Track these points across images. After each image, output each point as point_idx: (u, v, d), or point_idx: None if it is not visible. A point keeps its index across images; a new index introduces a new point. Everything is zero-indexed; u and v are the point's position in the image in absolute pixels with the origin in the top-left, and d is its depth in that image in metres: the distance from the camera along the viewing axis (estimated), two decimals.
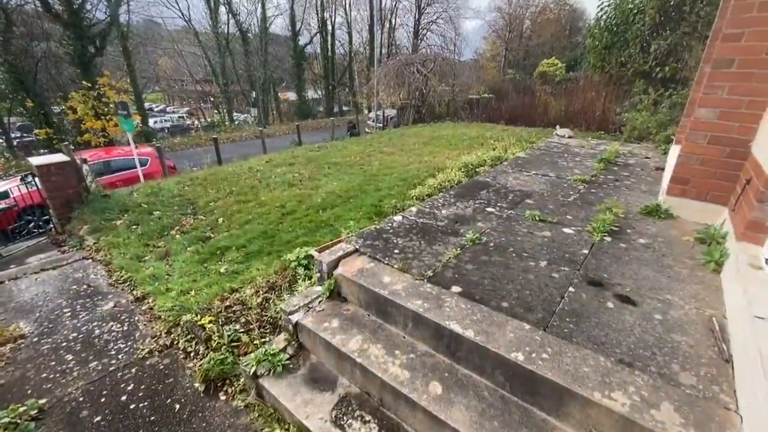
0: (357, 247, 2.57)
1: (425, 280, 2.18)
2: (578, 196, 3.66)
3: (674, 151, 3.75)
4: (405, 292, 2.07)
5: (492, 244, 2.61)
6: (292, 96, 37.73)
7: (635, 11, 10.64)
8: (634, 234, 2.79)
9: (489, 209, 3.29)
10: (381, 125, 18.34)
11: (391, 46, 37.83)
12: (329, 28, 34.08)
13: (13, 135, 19.31)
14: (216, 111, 29.17)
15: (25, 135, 20.19)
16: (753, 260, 1.96)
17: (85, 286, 3.90)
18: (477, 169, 5.06)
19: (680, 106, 9.25)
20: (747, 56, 2.56)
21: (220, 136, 19.09)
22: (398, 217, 3.09)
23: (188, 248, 4.31)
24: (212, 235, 4.65)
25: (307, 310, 2.32)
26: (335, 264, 2.47)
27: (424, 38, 39.85)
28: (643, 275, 2.24)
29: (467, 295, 2.04)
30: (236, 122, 27.06)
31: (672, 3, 9.85)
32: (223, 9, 25.47)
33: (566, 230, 2.87)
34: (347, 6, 35.21)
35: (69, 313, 3.39)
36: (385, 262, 2.37)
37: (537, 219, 3.05)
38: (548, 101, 13.93)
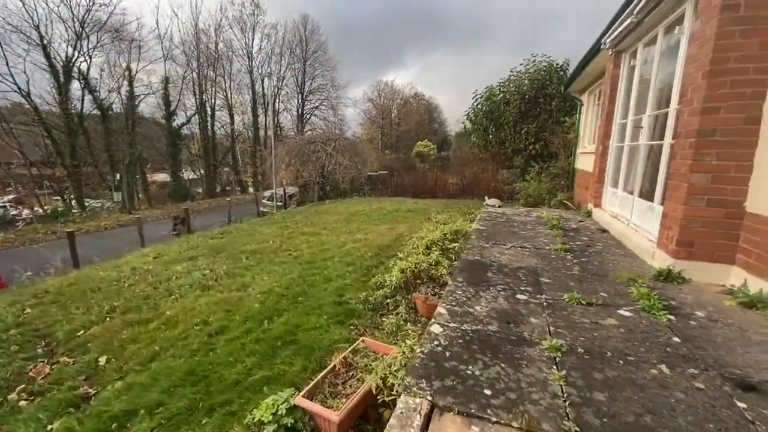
0: (431, 398, 1.59)
1: None
2: (579, 267, 3.42)
3: (655, 211, 3.91)
4: None
5: (580, 350, 1.97)
6: (162, 177, 33.68)
7: (503, 102, 12.83)
8: (685, 306, 2.53)
9: (519, 296, 2.71)
10: (280, 204, 17.25)
11: (276, 128, 38.18)
12: (208, 109, 32.76)
13: None
14: (59, 197, 23.54)
15: None
16: None
17: None
18: (449, 247, 4.58)
19: (557, 177, 10.98)
20: (722, 126, 2.77)
21: (70, 226, 14.99)
22: (436, 328, 2.22)
23: (50, 427, 2.47)
24: (93, 391, 2.86)
25: None
26: None
27: (308, 122, 41.75)
28: (759, 358, 1.87)
29: None
30: (89, 209, 22.10)
31: (527, 97, 12.14)
32: (77, 84, 22.05)
33: (623, 313, 2.45)
34: (227, 89, 34.86)
35: None
36: (494, 420, 1.47)
37: (584, 303, 2.58)
38: (443, 176, 15.22)
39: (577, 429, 1.42)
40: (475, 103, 14.04)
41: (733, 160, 2.79)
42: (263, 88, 37.09)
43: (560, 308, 2.52)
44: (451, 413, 1.51)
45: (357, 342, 2.85)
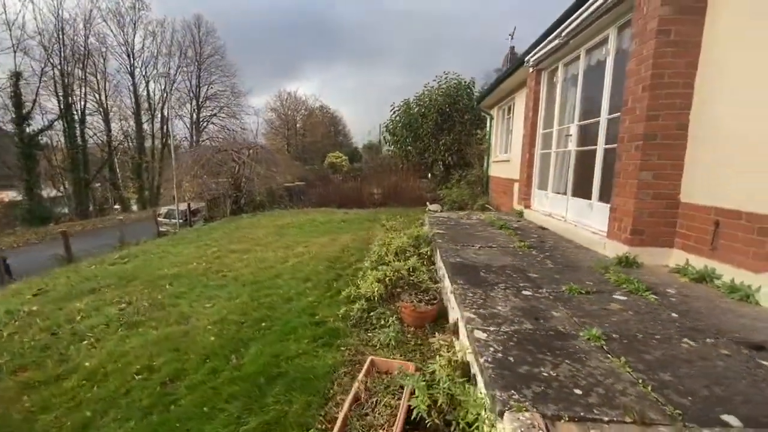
0: (535, 409, 1.42)
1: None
2: (551, 261, 3.66)
3: (598, 210, 4.40)
4: None
5: (615, 336, 2.06)
6: (10, 195, 26.77)
7: (419, 115, 13.52)
8: (657, 286, 2.87)
9: (525, 293, 2.75)
10: (183, 221, 15.21)
11: (166, 136, 33.95)
12: (76, 114, 27.40)
13: None
14: None
15: None
16: None
17: None
18: (422, 252, 4.49)
19: (474, 184, 11.91)
20: (660, 131, 3.29)
21: None
22: (480, 334, 2.07)
23: None
24: None
25: None
26: None
27: (204, 130, 38.15)
28: (741, 322, 2.21)
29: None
30: None
31: (442, 111, 13.02)
32: None
33: (619, 297, 2.67)
34: (101, 91, 29.75)
35: None
36: (606, 419, 1.39)
37: (582, 292, 2.74)
38: (367, 187, 15.25)
39: (678, 411, 1.44)
40: (393, 116, 14.54)
41: (669, 159, 3.32)
42: (149, 91, 32.70)
43: (566, 300, 2.62)
44: (562, 421, 1.39)
45: (366, 363, 2.56)
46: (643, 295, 2.68)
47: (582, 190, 4.88)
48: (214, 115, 37.61)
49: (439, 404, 1.94)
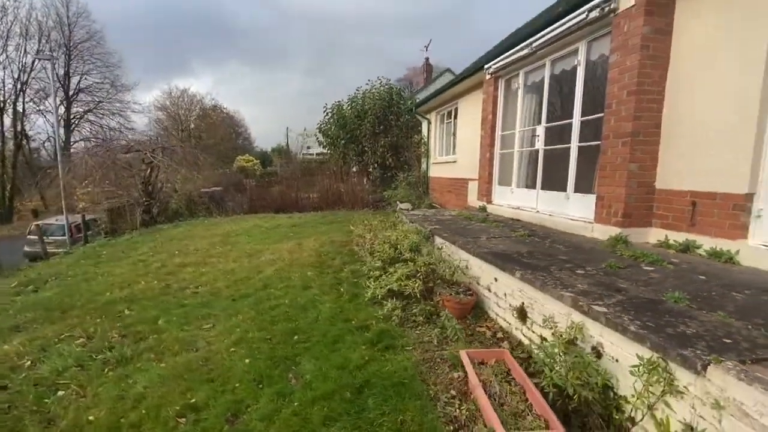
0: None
1: None
2: (559, 246, 4.05)
3: (577, 201, 4.96)
4: None
5: (692, 298, 2.40)
6: None
7: (355, 117, 13.51)
8: (668, 261, 3.41)
9: (578, 272, 3.01)
10: (70, 236, 12.51)
11: (20, 137, 27.53)
12: None
13: None
14: None
15: None
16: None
17: None
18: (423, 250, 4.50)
19: (415, 185, 12.38)
20: (643, 129, 3.95)
21: None
22: (600, 308, 2.19)
23: None
24: None
25: None
26: None
27: (77, 130, 31.96)
28: (746, 278, 2.80)
29: None
30: None
31: (379, 114, 13.25)
32: None
33: (646, 268, 3.11)
34: None
35: None
36: None
37: (620, 267, 3.12)
38: (291, 190, 14.49)
39: None
40: (326, 117, 14.23)
41: (648, 153, 4.00)
42: None
43: (615, 274, 2.95)
44: (748, 362, 1.58)
45: (463, 356, 2.51)
46: (662, 265, 3.18)
47: (553, 183, 5.51)
48: (90, 110, 31.62)
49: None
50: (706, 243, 3.52)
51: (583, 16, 4.43)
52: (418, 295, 3.60)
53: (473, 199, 8.10)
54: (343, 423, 2.16)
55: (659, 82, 3.90)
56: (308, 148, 37.24)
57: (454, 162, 9.97)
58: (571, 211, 5.06)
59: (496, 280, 3.43)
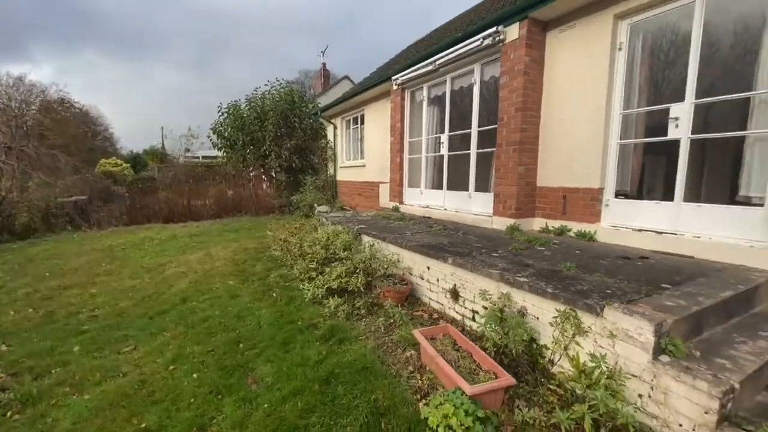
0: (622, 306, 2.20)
1: None
2: (473, 236, 4.73)
3: (479, 199, 5.76)
4: None
5: (576, 266, 3.17)
6: None
7: (255, 117, 12.86)
8: (552, 242, 4.33)
9: (494, 254, 3.61)
10: None
11: None
12: None
13: None
14: None
15: None
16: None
17: None
18: (353, 247, 4.72)
19: (323, 188, 12.45)
20: (528, 139, 4.91)
21: None
22: (522, 279, 2.73)
23: None
24: None
25: None
26: None
27: None
28: (605, 250, 3.80)
29: None
30: None
31: (284, 115, 12.89)
32: None
33: (540, 248, 3.92)
34: None
35: None
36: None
37: (522, 249, 3.85)
38: (178, 197, 13.05)
39: (628, 285, 2.57)
40: (221, 118, 13.19)
41: (532, 158, 4.98)
42: None
43: (521, 254, 3.66)
44: (607, 304, 2.25)
45: (417, 335, 2.83)
46: (550, 245, 4.05)
47: (457, 184, 6.32)
48: None
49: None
50: (575, 227, 4.59)
51: (478, 42, 5.25)
52: (362, 289, 3.81)
53: (385, 201, 8.62)
54: (320, 412, 2.25)
55: (537, 102, 4.91)
56: (187, 150, 33.51)
57: (363, 166, 10.40)
58: (474, 207, 5.90)
59: (428, 268, 3.87)
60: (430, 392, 2.41)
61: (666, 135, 3.75)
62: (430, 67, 6.32)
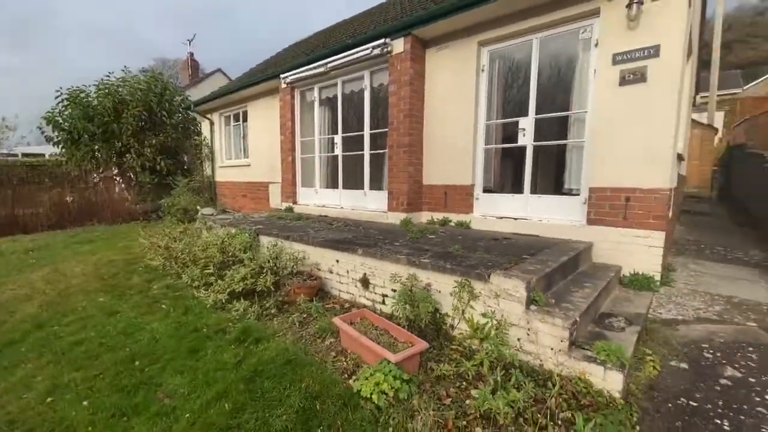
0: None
1: None
2: (375, 231, 5.10)
3: (375, 197, 6.16)
4: None
5: (462, 249, 3.80)
6: None
7: (110, 107, 10.83)
8: (439, 231, 5.00)
9: (396, 244, 4.02)
10: None
11: None
12: None
13: None
14: None
15: None
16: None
17: None
18: (262, 246, 4.56)
19: (199, 191, 11.34)
20: (415, 142, 5.54)
21: None
22: (425, 259, 3.14)
23: None
24: None
25: None
26: None
27: None
28: (480, 234, 4.63)
29: None
30: None
31: (149, 107, 11.21)
32: None
33: (431, 237, 4.52)
34: None
35: None
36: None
37: (418, 237, 4.38)
38: (16, 204, 10.25)
39: (498, 260, 3.31)
40: (60, 106, 10.64)
41: (418, 159, 5.63)
42: None
43: (419, 241, 4.17)
44: (493, 273, 2.87)
45: (337, 322, 3.01)
46: (438, 234, 4.70)
47: (353, 183, 6.65)
48: None
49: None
50: (454, 218, 5.39)
51: (368, 51, 5.67)
52: (272, 288, 3.75)
53: (277, 202, 8.39)
54: (251, 408, 2.23)
55: (421, 110, 5.58)
56: None
57: (248, 165, 9.86)
58: (370, 205, 6.31)
59: (337, 261, 4.05)
60: (356, 370, 2.62)
61: (517, 142, 4.79)
62: (321, 69, 6.48)
